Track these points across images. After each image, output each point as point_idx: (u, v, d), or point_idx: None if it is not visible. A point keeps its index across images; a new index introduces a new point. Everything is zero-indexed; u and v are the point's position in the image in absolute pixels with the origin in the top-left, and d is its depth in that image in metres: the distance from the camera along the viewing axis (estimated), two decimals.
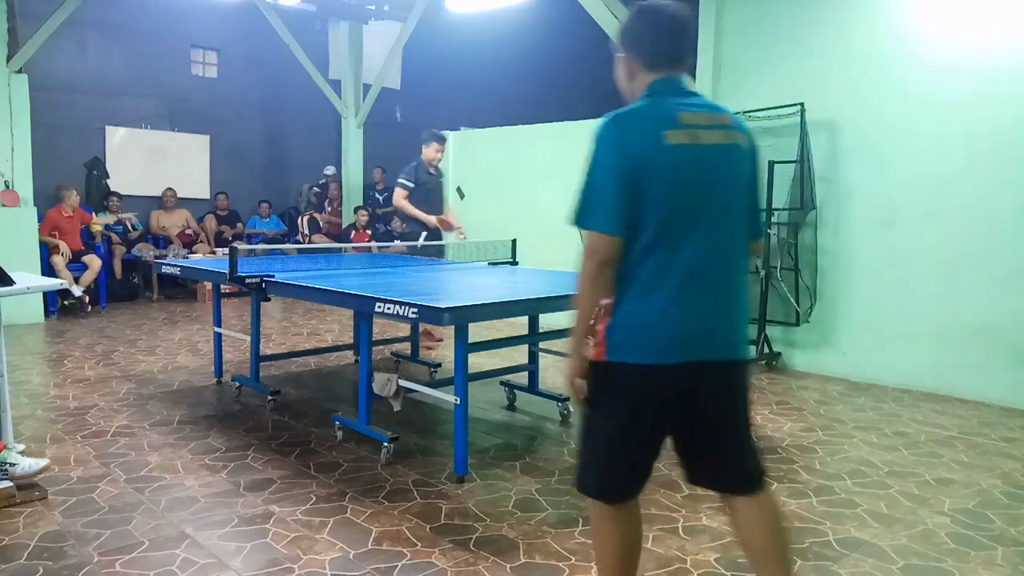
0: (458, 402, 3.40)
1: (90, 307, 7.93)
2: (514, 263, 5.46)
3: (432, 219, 6.11)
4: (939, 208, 5.17)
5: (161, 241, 9.55)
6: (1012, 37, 4.84)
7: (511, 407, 4.73)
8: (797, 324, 5.84)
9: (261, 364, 4.91)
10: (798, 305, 5.81)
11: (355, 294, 3.53)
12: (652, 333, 1.86)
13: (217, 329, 5.19)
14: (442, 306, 3.08)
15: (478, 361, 5.75)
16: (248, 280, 4.06)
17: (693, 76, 6.31)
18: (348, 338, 6.53)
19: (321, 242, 9.90)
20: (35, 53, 7.46)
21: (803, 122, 5.59)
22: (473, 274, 4.79)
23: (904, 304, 5.35)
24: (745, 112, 5.90)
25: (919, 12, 5.24)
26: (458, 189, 8.62)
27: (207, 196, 10.65)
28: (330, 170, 11.12)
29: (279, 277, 4.09)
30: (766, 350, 5.84)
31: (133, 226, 9.37)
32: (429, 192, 6.18)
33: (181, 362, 5.80)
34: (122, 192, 9.43)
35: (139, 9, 9.90)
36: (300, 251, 8.00)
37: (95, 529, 2.89)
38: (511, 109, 11.02)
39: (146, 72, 10.14)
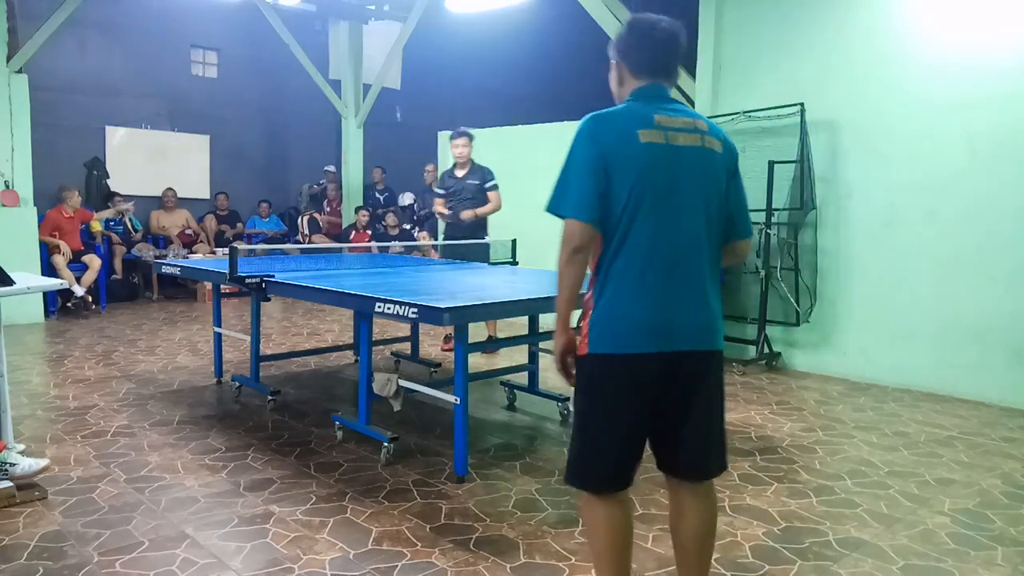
0: (458, 402, 3.40)
1: (93, 306, 7.93)
2: (514, 263, 5.46)
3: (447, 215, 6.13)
4: (939, 208, 5.17)
5: (161, 241, 9.55)
6: (1012, 37, 4.84)
7: (511, 407, 4.73)
8: (797, 324, 5.84)
9: (261, 364, 4.91)
10: (798, 305, 5.81)
11: (355, 294, 3.53)
12: (628, 325, 1.97)
13: (217, 329, 5.19)
14: (442, 306, 3.08)
15: (478, 361, 5.75)
16: (248, 280, 4.06)
17: (693, 78, 6.32)
18: (348, 338, 6.53)
19: (321, 242, 9.91)
20: (35, 53, 7.46)
21: (803, 122, 5.59)
22: (473, 274, 4.79)
23: (904, 304, 5.35)
24: (745, 112, 5.91)
25: (919, 12, 5.24)
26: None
27: (207, 196, 10.65)
28: (330, 169, 11.13)
29: (279, 277, 4.09)
30: (766, 350, 5.85)
31: (133, 225, 9.37)
32: (453, 195, 6.15)
33: (181, 362, 5.80)
34: (122, 192, 9.42)
35: (139, 9, 9.90)
36: (300, 251, 8.01)
37: (95, 529, 2.89)
38: (511, 109, 11.02)
39: (146, 72, 10.15)
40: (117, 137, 9.96)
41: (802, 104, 5.60)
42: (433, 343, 6.58)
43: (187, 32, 10.50)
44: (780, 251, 5.83)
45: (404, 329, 6.08)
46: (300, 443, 3.95)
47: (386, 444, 3.67)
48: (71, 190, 8.15)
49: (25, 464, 3.19)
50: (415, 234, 9.90)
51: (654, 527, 2.97)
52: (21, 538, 2.80)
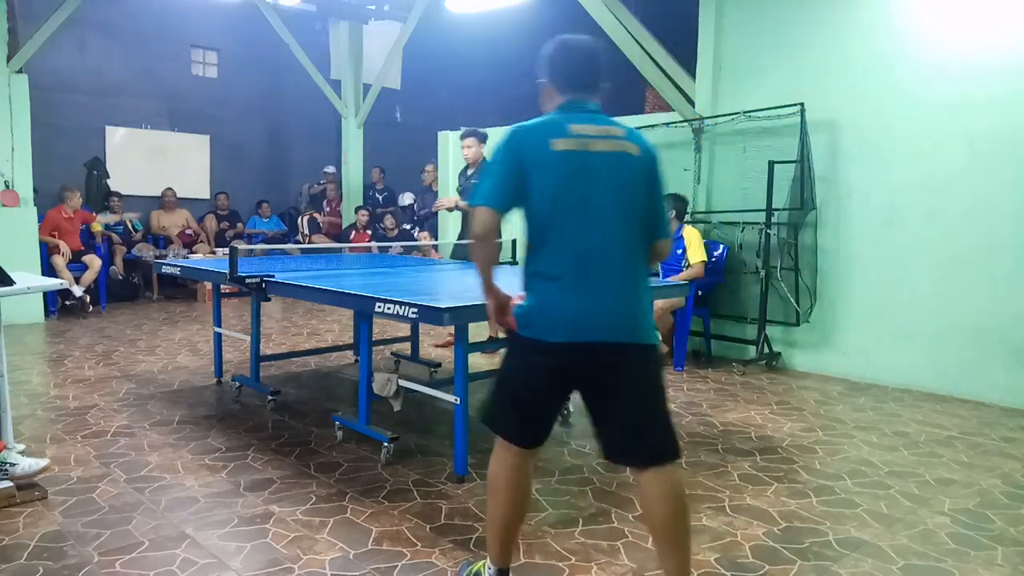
0: (458, 402, 3.40)
1: (91, 307, 7.93)
2: (514, 263, 5.46)
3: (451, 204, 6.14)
4: (939, 208, 5.17)
5: (161, 241, 9.56)
6: (1012, 37, 4.84)
7: None
8: (797, 324, 5.84)
9: (261, 364, 4.91)
10: (798, 305, 5.81)
11: (355, 294, 3.53)
12: (547, 315, 2.15)
13: (217, 329, 5.19)
14: (442, 306, 3.09)
15: (478, 361, 5.75)
16: (248, 280, 4.06)
17: (693, 78, 6.31)
18: (348, 338, 6.53)
19: (321, 242, 9.90)
20: (35, 53, 7.46)
21: (803, 122, 5.59)
22: (473, 274, 4.78)
23: (904, 304, 5.35)
24: (745, 112, 5.90)
25: (919, 12, 5.24)
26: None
27: (207, 196, 10.65)
28: (330, 169, 11.13)
29: (279, 277, 4.08)
30: (766, 350, 5.85)
31: (134, 227, 9.38)
32: (463, 194, 6.16)
33: (181, 362, 5.80)
34: (122, 192, 9.43)
35: (139, 9, 9.91)
36: (300, 251, 8.01)
37: (95, 529, 2.89)
38: (511, 109, 11.00)
39: (146, 72, 10.15)
40: (117, 137, 9.96)
41: (802, 104, 5.60)
42: (433, 343, 6.58)
43: (187, 32, 10.50)
44: (780, 251, 5.83)
45: (404, 329, 6.08)
46: (300, 443, 3.95)
47: (386, 444, 3.67)
48: (73, 190, 8.16)
49: (25, 464, 3.19)
50: (415, 234, 9.89)
51: None
52: (21, 538, 2.80)
